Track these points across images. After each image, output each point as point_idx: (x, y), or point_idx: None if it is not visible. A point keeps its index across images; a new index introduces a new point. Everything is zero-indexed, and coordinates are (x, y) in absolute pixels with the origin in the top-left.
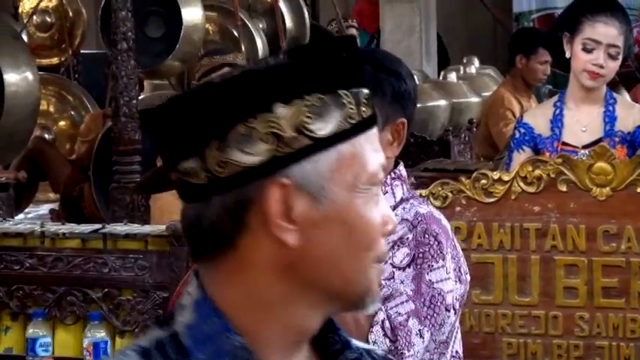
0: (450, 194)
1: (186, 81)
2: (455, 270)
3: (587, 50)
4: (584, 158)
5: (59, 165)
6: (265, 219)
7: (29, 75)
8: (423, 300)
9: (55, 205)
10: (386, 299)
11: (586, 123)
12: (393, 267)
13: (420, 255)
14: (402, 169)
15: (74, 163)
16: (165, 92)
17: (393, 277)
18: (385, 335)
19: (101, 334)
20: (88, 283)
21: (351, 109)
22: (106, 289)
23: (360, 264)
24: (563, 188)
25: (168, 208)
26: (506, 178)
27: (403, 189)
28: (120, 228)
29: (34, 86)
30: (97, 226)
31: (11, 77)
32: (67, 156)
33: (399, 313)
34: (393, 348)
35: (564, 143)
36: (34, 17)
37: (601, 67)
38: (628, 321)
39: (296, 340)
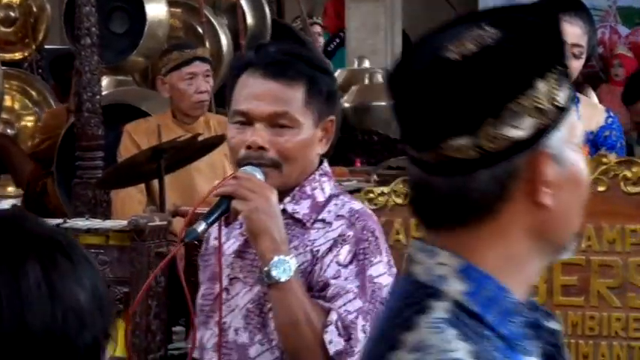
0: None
1: (150, 76)
2: (387, 263)
3: None
4: None
5: (21, 161)
6: (530, 186)
7: None
8: (366, 296)
9: (16, 201)
10: (333, 298)
11: None
12: (338, 265)
13: (361, 251)
14: (327, 166)
15: (37, 158)
16: (129, 88)
17: (339, 276)
18: (339, 335)
19: None
20: None
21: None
22: None
23: (580, 216)
24: None
25: (129, 202)
26: None
27: (330, 185)
28: (81, 223)
29: None
30: (59, 220)
31: None
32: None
33: (349, 312)
34: (347, 347)
35: None
36: None
37: None
38: (587, 319)
39: (527, 292)
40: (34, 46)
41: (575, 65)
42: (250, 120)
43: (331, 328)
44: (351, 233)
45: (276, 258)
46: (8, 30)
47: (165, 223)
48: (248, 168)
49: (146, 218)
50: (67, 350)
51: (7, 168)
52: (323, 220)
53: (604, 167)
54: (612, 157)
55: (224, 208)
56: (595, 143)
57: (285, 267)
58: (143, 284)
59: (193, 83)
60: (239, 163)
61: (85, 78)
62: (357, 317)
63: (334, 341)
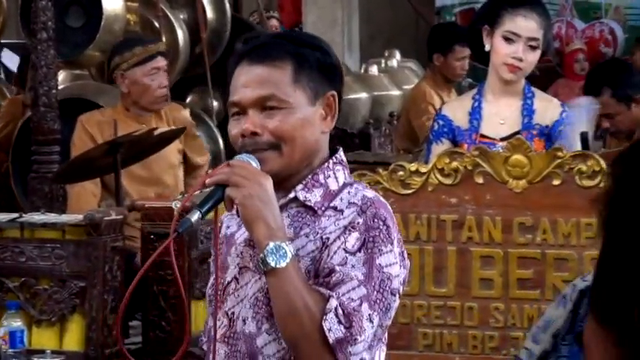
0: (367, 185)
1: (107, 71)
2: (400, 254)
3: (506, 43)
4: (501, 150)
5: None
6: None
7: None
8: (373, 284)
9: None
10: (336, 285)
11: (504, 116)
12: (346, 252)
13: (371, 239)
14: (342, 155)
15: None
16: (86, 82)
17: (346, 263)
18: (339, 322)
19: (17, 323)
20: (4, 272)
21: None
22: (22, 279)
23: None
24: (480, 180)
25: (84, 195)
26: (423, 170)
27: (345, 174)
28: (37, 217)
29: None
30: (15, 215)
31: None
32: None
33: (352, 299)
34: (348, 334)
35: (483, 135)
36: None
37: (520, 60)
38: (543, 312)
39: None
40: None
41: (531, 59)
42: (243, 109)
43: (330, 316)
44: (360, 220)
45: (271, 244)
46: None
47: (121, 217)
48: (243, 156)
49: (102, 213)
50: None
51: None
52: (335, 208)
53: (559, 161)
54: (567, 151)
55: (218, 196)
56: (550, 137)
57: (280, 253)
58: (99, 279)
59: (156, 78)
60: (238, 153)
61: (41, 72)
62: (360, 305)
63: (333, 329)
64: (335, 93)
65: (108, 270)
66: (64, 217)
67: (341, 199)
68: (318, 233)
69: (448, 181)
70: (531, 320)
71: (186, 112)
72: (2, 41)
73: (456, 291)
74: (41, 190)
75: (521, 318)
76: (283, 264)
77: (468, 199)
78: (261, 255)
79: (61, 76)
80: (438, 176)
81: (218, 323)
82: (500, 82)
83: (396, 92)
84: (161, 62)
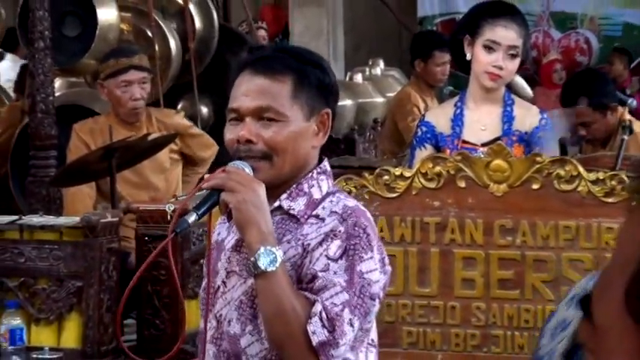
0: (353, 189)
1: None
2: (380, 261)
3: (487, 51)
4: (482, 156)
5: None
6: None
7: None
8: (354, 290)
9: None
10: (320, 290)
11: (485, 122)
12: (328, 259)
13: (352, 247)
14: (327, 165)
15: None
16: (81, 89)
17: (328, 269)
18: (323, 326)
19: (17, 321)
20: (4, 272)
21: None
22: (22, 278)
23: None
24: (462, 184)
25: (79, 196)
26: (407, 174)
27: (328, 183)
28: (36, 219)
29: None
30: (14, 217)
31: None
32: None
33: (335, 304)
34: (331, 338)
35: (464, 141)
36: None
37: (500, 68)
38: (522, 311)
39: None
40: None
41: (510, 67)
42: (241, 116)
43: (315, 319)
44: (342, 229)
45: (262, 248)
46: None
47: (116, 219)
48: (237, 162)
49: (98, 215)
50: None
51: None
52: (317, 216)
53: (538, 166)
54: (546, 157)
55: (214, 200)
56: (529, 143)
57: (271, 257)
58: (95, 279)
59: (128, 91)
60: (232, 159)
61: (39, 80)
62: (342, 310)
63: (317, 332)
64: (329, 111)
65: (104, 270)
66: (62, 220)
67: (323, 208)
68: (299, 240)
69: (431, 185)
70: (511, 319)
71: (179, 117)
72: (0, 50)
73: (439, 291)
74: (39, 193)
75: (502, 317)
76: (273, 268)
77: (451, 203)
78: (253, 258)
79: (57, 83)
80: (422, 180)
81: (208, 325)
82: (481, 90)
83: (379, 99)
84: (134, 75)
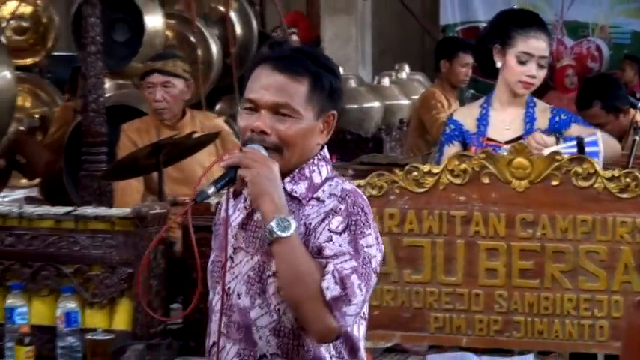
0: (385, 184)
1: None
2: (376, 239)
3: (521, 63)
4: (505, 153)
5: (38, 152)
6: None
7: (7, 74)
8: (360, 260)
9: (28, 191)
10: (329, 257)
11: (509, 122)
12: (330, 232)
13: (353, 222)
14: (326, 152)
15: (51, 149)
16: (130, 90)
17: (332, 240)
18: (336, 283)
19: (72, 305)
20: (61, 260)
21: None
22: (77, 265)
23: None
24: (486, 180)
25: (128, 190)
26: (435, 170)
27: (328, 169)
28: (90, 210)
29: (12, 84)
30: (70, 208)
31: None
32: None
33: (345, 268)
34: (343, 294)
35: (489, 139)
36: (11, 22)
37: (533, 77)
38: (542, 299)
39: None
40: (43, 53)
41: (541, 75)
42: (257, 107)
43: (328, 276)
44: (342, 207)
45: (276, 217)
46: (20, 38)
47: (164, 211)
48: (254, 146)
49: (147, 207)
50: None
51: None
52: (317, 199)
53: (557, 164)
54: (565, 155)
55: (231, 176)
56: (556, 130)
57: (285, 225)
58: (145, 265)
59: (152, 92)
60: (244, 144)
61: (91, 82)
62: (352, 273)
63: (331, 287)
64: (335, 113)
65: (153, 258)
66: (114, 211)
67: (323, 191)
68: (302, 220)
69: (458, 181)
70: (532, 306)
71: (219, 121)
72: (54, 53)
73: (464, 279)
74: (90, 187)
75: (523, 304)
76: (288, 233)
77: (476, 198)
78: (268, 226)
79: (107, 85)
80: (449, 176)
81: (217, 297)
82: (509, 94)
83: (405, 101)
84: (156, 78)
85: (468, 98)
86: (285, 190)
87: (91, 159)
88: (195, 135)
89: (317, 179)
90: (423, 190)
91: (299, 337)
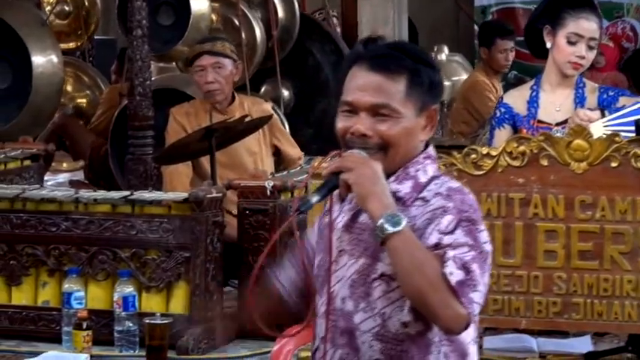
0: (443, 167)
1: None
2: (487, 236)
3: (570, 43)
4: (557, 134)
5: (83, 135)
6: None
7: (54, 58)
8: (478, 252)
9: (71, 175)
10: (448, 247)
11: (560, 104)
12: (440, 233)
13: (465, 219)
14: (432, 150)
15: (97, 132)
16: (175, 74)
17: (441, 242)
18: (458, 268)
19: (129, 289)
20: (117, 244)
21: None
22: (133, 249)
23: None
24: (545, 163)
25: (176, 174)
26: (493, 153)
27: (434, 167)
28: (146, 195)
29: (59, 68)
30: (126, 193)
31: (38, 60)
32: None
33: (465, 256)
34: (468, 278)
35: (540, 121)
36: (55, 7)
37: (582, 58)
38: (601, 281)
39: None
40: (85, 37)
41: (591, 56)
42: (355, 109)
43: (450, 263)
44: (450, 205)
45: (385, 214)
46: (63, 22)
47: (220, 195)
48: (353, 150)
49: (204, 191)
50: None
51: (70, 143)
52: (423, 199)
53: (616, 145)
54: (613, 127)
55: (333, 183)
56: (604, 108)
57: (396, 219)
58: (202, 249)
59: (203, 75)
60: (345, 146)
61: (137, 65)
62: (473, 261)
63: (454, 273)
64: (437, 107)
65: (209, 242)
66: (171, 195)
67: (428, 191)
68: (408, 222)
69: (516, 163)
70: (591, 288)
71: (268, 106)
72: (96, 37)
73: (522, 262)
74: (137, 170)
75: (582, 286)
76: (399, 228)
77: (534, 180)
78: (378, 225)
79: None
80: (507, 159)
81: (321, 301)
82: (559, 76)
83: (446, 83)
84: (205, 60)
85: (512, 80)
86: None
87: (137, 142)
88: (248, 118)
89: (422, 178)
90: (481, 172)
91: (403, 343)
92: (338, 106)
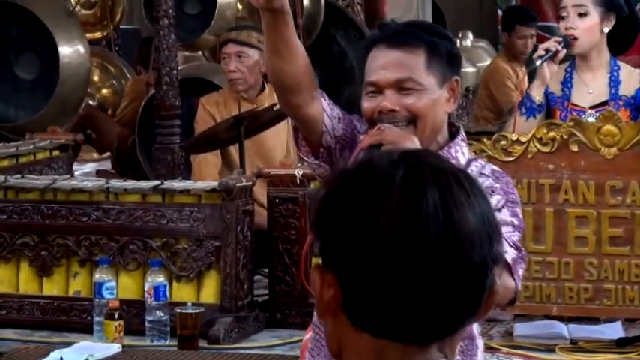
0: (473, 154)
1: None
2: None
3: (562, 18)
4: (590, 118)
5: (109, 126)
6: None
7: (80, 48)
8: (520, 233)
9: (99, 165)
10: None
11: (592, 86)
12: None
13: (510, 200)
14: (463, 133)
15: (123, 123)
16: (202, 63)
17: None
18: (510, 245)
19: (160, 278)
20: (148, 234)
21: None
22: (164, 239)
23: None
24: (575, 148)
25: (205, 163)
26: (523, 139)
27: (467, 150)
28: (177, 184)
29: (85, 58)
30: (156, 182)
31: (65, 50)
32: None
33: (512, 235)
34: (520, 255)
35: (573, 104)
36: None
37: (573, 28)
38: (632, 266)
39: None
40: (111, 27)
41: (582, 25)
42: (380, 88)
43: (502, 241)
44: (498, 186)
45: None
46: (89, 12)
47: (250, 183)
48: (385, 125)
49: (234, 180)
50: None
51: (95, 134)
52: None
53: None
54: None
55: None
56: (636, 106)
57: None
58: (232, 238)
59: (227, 63)
60: (373, 124)
61: (164, 55)
62: (518, 241)
63: (508, 251)
64: (458, 78)
65: (240, 231)
66: (201, 184)
67: (471, 171)
68: None
69: (546, 150)
70: (622, 274)
71: None
72: (121, 27)
73: (553, 248)
74: (164, 160)
75: (613, 272)
76: None
77: (564, 166)
78: None
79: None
80: (537, 145)
81: None
82: (577, 57)
83: (471, 69)
84: (229, 49)
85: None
86: None
87: (164, 132)
88: (276, 107)
89: (462, 160)
90: (511, 158)
91: None
92: (362, 90)
